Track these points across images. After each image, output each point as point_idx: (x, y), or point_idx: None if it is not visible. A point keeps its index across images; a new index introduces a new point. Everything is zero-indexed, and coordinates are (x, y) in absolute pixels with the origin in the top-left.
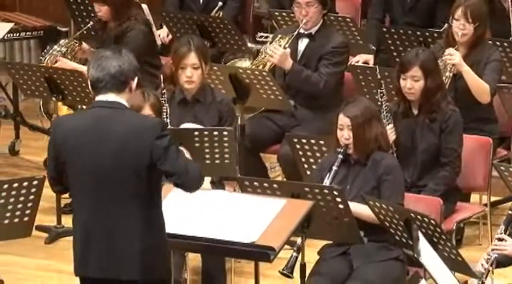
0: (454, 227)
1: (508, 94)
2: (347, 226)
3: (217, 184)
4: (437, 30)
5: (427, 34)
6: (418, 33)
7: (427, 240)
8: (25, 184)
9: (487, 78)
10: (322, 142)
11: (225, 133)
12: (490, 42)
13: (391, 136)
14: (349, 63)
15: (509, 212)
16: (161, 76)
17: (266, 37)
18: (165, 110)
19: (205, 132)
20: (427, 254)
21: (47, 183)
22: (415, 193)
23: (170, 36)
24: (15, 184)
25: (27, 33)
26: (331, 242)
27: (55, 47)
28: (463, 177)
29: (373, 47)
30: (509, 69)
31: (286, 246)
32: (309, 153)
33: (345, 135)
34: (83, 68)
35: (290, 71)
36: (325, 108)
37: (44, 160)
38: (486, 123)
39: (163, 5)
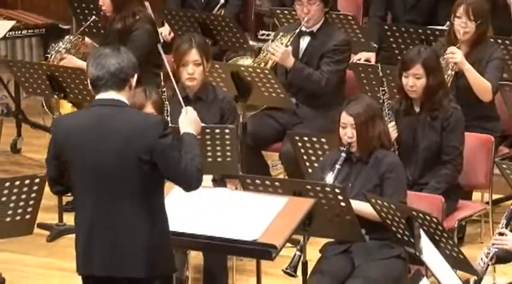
0: (456, 225)
1: (510, 92)
2: (349, 224)
3: (219, 182)
4: (439, 28)
5: (429, 32)
6: (420, 31)
7: (428, 238)
8: (27, 182)
9: (489, 76)
10: (323, 140)
11: (227, 131)
12: (491, 40)
13: (393, 134)
14: (350, 61)
15: (511, 207)
16: (161, 74)
17: (268, 35)
18: (165, 108)
19: (207, 130)
20: (428, 252)
21: None
22: (417, 191)
23: (172, 34)
24: (17, 182)
25: (29, 31)
26: (332, 240)
27: (60, 43)
28: (464, 175)
29: (374, 45)
30: (511, 67)
31: (288, 244)
32: (310, 151)
33: (348, 133)
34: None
35: (292, 69)
36: (327, 106)
37: (46, 158)
38: (488, 121)
39: (165, 3)
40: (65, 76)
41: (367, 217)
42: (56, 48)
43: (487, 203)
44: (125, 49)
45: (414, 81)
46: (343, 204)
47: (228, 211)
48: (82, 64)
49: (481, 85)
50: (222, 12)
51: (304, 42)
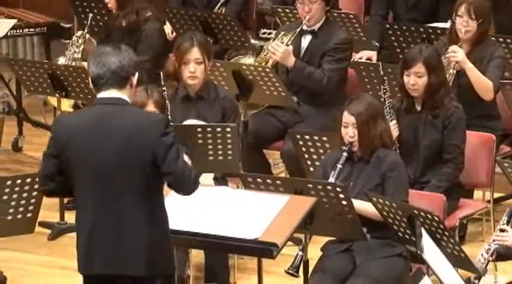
0: (457, 224)
1: (511, 90)
2: (350, 222)
3: (220, 181)
4: (440, 27)
5: (431, 31)
6: (421, 29)
7: (430, 237)
8: (28, 180)
9: (490, 75)
10: (325, 138)
11: (228, 129)
12: (493, 38)
13: (394, 132)
14: (352, 60)
15: None
16: (161, 73)
17: (269, 33)
18: (166, 107)
19: (209, 129)
20: (430, 250)
21: None
22: (418, 190)
23: (174, 33)
24: (19, 181)
25: (31, 29)
26: (334, 238)
27: (74, 39)
28: (466, 173)
29: (376, 44)
30: None
31: (289, 242)
32: (312, 150)
33: (349, 132)
34: None
35: (293, 68)
36: (328, 104)
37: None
38: (489, 119)
39: (167, 1)
40: (66, 74)
41: (369, 217)
42: (71, 52)
43: (489, 201)
44: (126, 47)
45: (416, 79)
46: (344, 202)
47: (229, 210)
48: None
49: (482, 84)
50: (223, 10)
51: (306, 41)
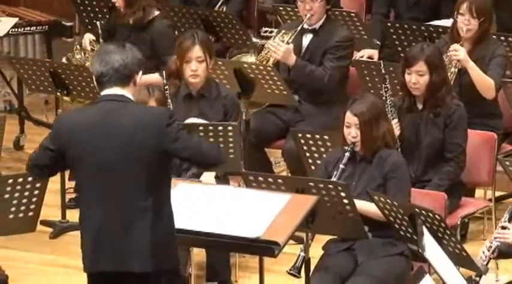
0: (459, 223)
1: None
2: (352, 221)
3: (221, 179)
4: (442, 25)
5: (432, 29)
6: (423, 28)
7: (431, 235)
8: (30, 179)
9: (492, 73)
10: (326, 137)
11: (230, 128)
12: (494, 37)
13: (396, 131)
14: (353, 58)
15: None
16: (163, 71)
17: (271, 32)
18: (168, 105)
19: (210, 127)
20: (431, 249)
21: (51, 178)
22: (420, 188)
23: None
24: (20, 179)
25: (32, 28)
26: (335, 237)
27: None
28: (467, 172)
29: (377, 42)
30: None
31: (291, 241)
32: (313, 148)
33: (352, 133)
34: None
35: (294, 67)
36: (330, 103)
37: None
38: (491, 118)
39: (168, 0)
40: (67, 73)
41: (371, 217)
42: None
43: (490, 200)
44: (130, 45)
45: (417, 78)
46: (346, 201)
47: (231, 208)
48: None
49: (484, 82)
50: (225, 9)
51: (307, 39)
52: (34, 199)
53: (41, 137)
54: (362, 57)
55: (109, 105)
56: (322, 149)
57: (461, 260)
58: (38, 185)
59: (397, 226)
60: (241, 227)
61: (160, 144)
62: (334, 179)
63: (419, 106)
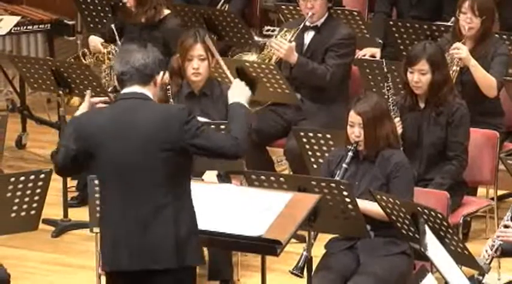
0: (461, 221)
1: None
2: (354, 220)
3: (223, 178)
4: (444, 24)
5: (434, 27)
6: (425, 26)
7: (433, 234)
8: (32, 177)
9: (494, 71)
10: (328, 136)
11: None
12: (496, 35)
13: (398, 129)
14: (356, 57)
15: None
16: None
17: (273, 31)
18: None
19: (212, 126)
20: (433, 248)
21: (54, 177)
22: (422, 187)
23: None
24: (22, 178)
25: (34, 26)
26: (337, 236)
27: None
28: (469, 170)
29: (380, 41)
30: None
31: (293, 240)
32: (315, 147)
33: (355, 132)
34: None
35: (296, 64)
36: (332, 101)
37: (51, 154)
38: (493, 116)
39: None
40: (70, 71)
41: (374, 217)
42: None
43: (492, 199)
44: (152, 46)
45: (419, 76)
46: (348, 199)
47: (233, 207)
48: None
49: (486, 81)
50: (227, 7)
51: (308, 37)
52: (36, 198)
53: (43, 136)
54: (364, 55)
55: (127, 102)
56: (324, 148)
57: (464, 259)
58: (40, 184)
59: (399, 224)
60: (243, 226)
61: (179, 141)
62: (337, 178)
63: (422, 105)
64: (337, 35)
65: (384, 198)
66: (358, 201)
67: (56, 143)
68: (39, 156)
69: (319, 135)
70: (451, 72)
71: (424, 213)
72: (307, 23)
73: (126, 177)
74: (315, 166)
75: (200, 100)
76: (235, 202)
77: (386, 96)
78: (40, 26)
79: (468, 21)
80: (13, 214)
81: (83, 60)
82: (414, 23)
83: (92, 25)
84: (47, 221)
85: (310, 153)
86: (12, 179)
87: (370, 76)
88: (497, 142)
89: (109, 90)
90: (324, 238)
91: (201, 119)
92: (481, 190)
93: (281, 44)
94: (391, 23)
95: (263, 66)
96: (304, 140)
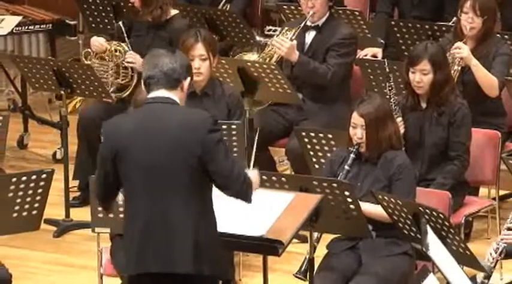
0: (463, 221)
1: None
2: (355, 220)
3: None
4: (446, 24)
5: (436, 27)
6: (427, 26)
7: (435, 234)
8: (34, 177)
9: (495, 71)
10: (330, 136)
11: (234, 126)
12: (498, 35)
13: (400, 129)
14: (357, 57)
15: None
16: None
17: (274, 30)
18: None
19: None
20: (435, 248)
21: (55, 176)
22: (424, 187)
23: None
24: (24, 178)
25: (36, 26)
26: (339, 236)
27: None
28: (471, 170)
29: (381, 41)
30: None
31: (295, 240)
32: (317, 147)
33: (357, 133)
34: None
35: (297, 63)
36: (333, 101)
37: (52, 154)
38: (494, 116)
39: None
40: (71, 71)
41: (377, 219)
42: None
43: (494, 199)
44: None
45: (421, 76)
46: (349, 200)
47: (235, 207)
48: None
49: (487, 80)
50: (228, 7)
51: (310, 36)
52: (38, 198)
53: (44, 136)
54: (366, 55)
55: (154, 106)
56: (326, 148)
57: (465, 259)
58: (41, 184)
59: (401, 225)
60: (245, 226)
61: (199, 149)
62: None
63: (423, 105)
64: (338, 35)
65: (386, 198)
66: (363, 204)
67: (57, 143)
68: (41, 156)
69: (321, 135)
70: (452, 71)
71: (426, 213)
72: (308, 23)
73: (153, 180)
74: (316, 166)
75: (202, 100)
76: (236, 202)
77: (388, 96)
78: (42, 26)
79: (470, 21)
80: (15, 214)
81: (86, 61)
82: (416, 23)
83: (93, 25)
84: (49, 222)
85: (311, 153)
86: (14, 179)
87: (371, 77)
88: (499, 142)
89: (111, 90)
90: (325, 238)
91: None
92: (483, 190)
93: (282, 42)
94: (392, 23)
95: (264, 66)
96: (306, 140)
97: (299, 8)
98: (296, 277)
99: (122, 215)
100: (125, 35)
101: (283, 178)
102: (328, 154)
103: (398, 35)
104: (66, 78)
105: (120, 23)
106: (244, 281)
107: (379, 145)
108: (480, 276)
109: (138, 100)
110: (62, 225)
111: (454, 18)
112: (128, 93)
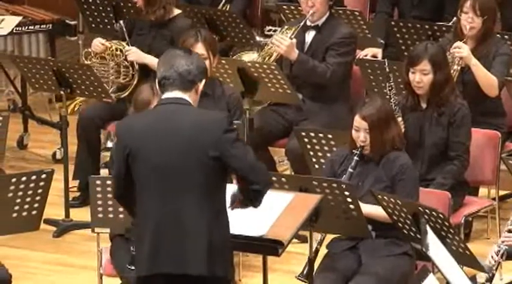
0: (463, 221)
1: None
2: (355, 220)
3: None
4: (445, 24)
5: (436, 28)
6: (427, 26)
7: (435, 234)
8: (33, 177)
9: (495, 71)
10: (330, 136)
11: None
12: (498, 35)
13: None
14: (357, 57)
15: None
16: None
17: (274, 30)
18: None
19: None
20: (435, 248)
21: (55, 177)
22: (424, 187)
23: None
24: (24, 178)
25: (36, 26)
26: (339, 236)
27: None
28: (471, 170)
29: (381, 41)
30: None
31: (295, 240)
32: (317, 147)
33: (361, 137)
34: (154, 61)
35: (296, 62)
36: (333, 101)
37: (52, 154)
38: (494, 116)
39: None
40: (71, 72)
41: (377, 220)
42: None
43: (494, 199)
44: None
45: (421, 77)
46: (349, 200)
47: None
48: (148, 58)
49: (487, 80)
50: (228, 7)
51: (309, 36)
52: (37, 198)
53: (44, 136)
54: (366, 56)
55: (168, 107)
56: (326, 148)
57: (465, 259)
58: (41, 184)
59: (400, 224)
60: (245, 226)
61: (215, 149)
62: None
63: (423, 105)
64: (338, 34)
65: (385, 198)
66: (364, 205)
67: (57, 143)
68: (41, 156)
69: (321, 135)
70: (452, 71)
71: (426, 213)
72: (308, 23)
73: (167, 181)
74: (316, 166)
75: (202, 100)
76: None
77: (388, 96)
78: (42, 26)
79: (470, 20)
80: (15, 214)
81: (86, 61)
82: (416, 23)
83: (93, 25)
84: (49, 222)
85: (311, 153)
86: (14, 179)
87: (371, 77)
88: (498, 142)
89: (112, 89)
90: (325, 238)
91: None
92: (483, 190)
93: (282, 40)
94: (392, 23)
95: (264, 66)
96: (306, 140)
97: (299, 8)
98: (299, 279)
99: (122, 216)
100: (126, 34)
101: (283, 178)
102: (328, 154)
103: (398, 35)
104: (66, 79)
105: (122, 22)
106: (244, 281)
107: (383, 147)
108: (481, 277)
109: (138, 100)
110: (61, 225)
111: (454, 18)
112: (128, 92)
